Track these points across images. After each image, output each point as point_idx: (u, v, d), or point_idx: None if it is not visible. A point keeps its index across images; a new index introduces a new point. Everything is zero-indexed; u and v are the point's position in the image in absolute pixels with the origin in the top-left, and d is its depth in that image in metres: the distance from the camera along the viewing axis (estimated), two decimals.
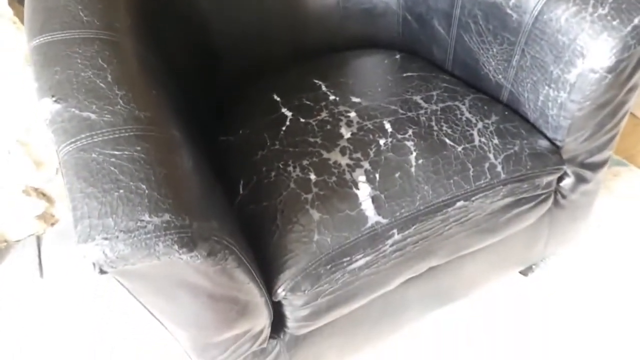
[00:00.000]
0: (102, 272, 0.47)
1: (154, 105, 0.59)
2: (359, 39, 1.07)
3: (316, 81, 0.91)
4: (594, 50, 0.70)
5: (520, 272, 1.09)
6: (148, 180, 0.49)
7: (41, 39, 0.60)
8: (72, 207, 0.48)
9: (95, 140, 0.52)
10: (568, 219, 0.93)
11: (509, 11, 0.79)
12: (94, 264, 0.46)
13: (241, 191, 0.75)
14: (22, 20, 1.02)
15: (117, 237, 0.45)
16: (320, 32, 1.07)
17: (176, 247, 0.47)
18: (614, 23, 0.68)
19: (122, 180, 0.49)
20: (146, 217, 0.47)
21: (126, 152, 0.51)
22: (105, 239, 0.45)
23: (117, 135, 0.52)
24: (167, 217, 0.47)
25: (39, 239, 1.31)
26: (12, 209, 1.25)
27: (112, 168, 0.50)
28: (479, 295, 1.06)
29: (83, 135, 0.52)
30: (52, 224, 1.34)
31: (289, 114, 0.84)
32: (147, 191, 0.48)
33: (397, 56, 0.99)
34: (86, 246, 0.45)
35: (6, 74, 1.06)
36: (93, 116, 0.53)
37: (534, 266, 1.09)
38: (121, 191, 0.48)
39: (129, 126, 0.53)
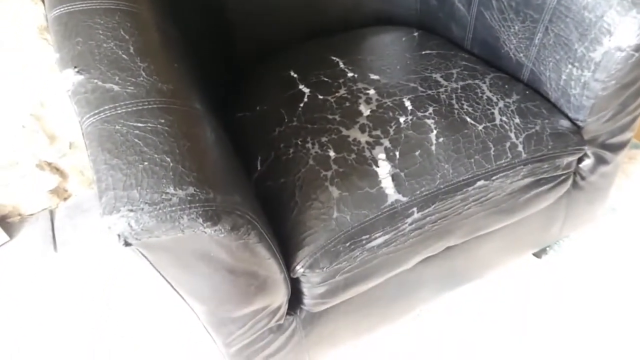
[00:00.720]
0: (126, 244, 0.47)
1: (176, 77, 0.58)
2: (376, 16, 1.06)
3: (334, 58, 0.90)
4: (622, 28, 0.68)
5: (534, 254, 1.09)
6: (172, 153, 0.49)
7: (62, 9, 0.60)
8: (97, 178, 0.48)
9: (119, 111, 0.51)
10: (585, 201, 0.93)
11: None
12: (118, 236, 0.46)
13: (259, 167, 0.74)
14: None
15: (142, 209, 0.45)
16: (337, 8, 1.05)
17: (200, 220, 0.47)
18: None
19: (146, 153, 0.48)
20: (171, 190, 0.47)
21: (150, 124, 0.51)
22: (131, 210, 0.45)
23: (140, 107, 0.52)
24: (191, 190, 0.47)
25: (52, 213, 1.32)
26: (25, 183, 1.25)
27: (136, 140, 0.49)
28: (492, 276, 1.06)
29: (106, 107, 0.52)
30: (65, 199, 1.34)
31: (306, 90, 0.83)
32: (171, 164, 0.48)
33: (415, 34, 0.97)
34: (111, 218, 0.45)
35: (22, 47, 1.05)
36: (116, 88, 0.53)
37: (547, 248, 1.09)
38: (146, 163, 0.48)
39: (152, 98, 0.53)
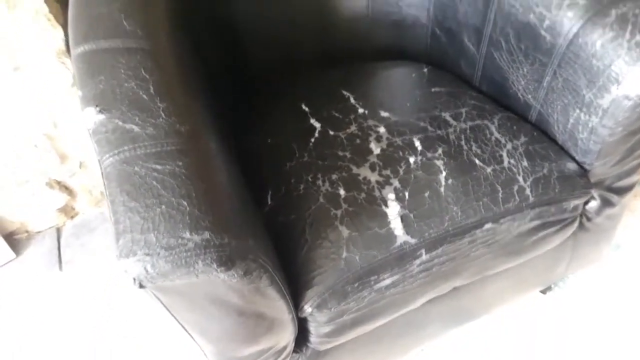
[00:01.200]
0: (141, 286, 0.48)
1: (193, 116, 0.59)
2: (387, 49, 1.08)
3: (345, 92, 0.92)
4: (630, 77, 0.69)
5: (539, 290, 1.09)
6: (189, 197, 0.50)
7: (85, 47, 0.61)
8: (114, 220, 0.49)
9: (138, 152, 0.52)
10: (591, 241, 0.93)
11: (542, 32, 0.79)
12: (134, 279, 0.47)
13: (269, 201, 0.75)
14: (56, 18, 1.03)
15: (159, 253, 0.46)
16: (349, 38, 1.07)
17: (215, 265, 0.48)
18: None
19: (164, 196, 0.49)
20: (187, 235, 0.47)
21: (168, 167, 0.52)
22: (147, 254, 0.46)
23: (159, 149, 0.53)
24: (207, 235, 0.48)
25: (59, 231, 1.33)
26: (35, 201, 1.27)
27: (155, 182, 0.50)
28: (497, 312, 1.06)
29: (126, 147, 0.53)
30: (72, 217, 1.35)
31: (317, 125, 0.85)
32: (188, 208, 0.49)
33: (425, 69, 0.99)
34: (128, 261, 0.46)
35: (38, 68, 1.07)
36: (136, 128, 0.54)
37: (553, 285, 1.09)
38: (163, 207, 0.49)
39: (170, 140, 0.54)
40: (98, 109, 0.56)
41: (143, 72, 0.59)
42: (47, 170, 1.24)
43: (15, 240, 1.29)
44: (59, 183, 1.28)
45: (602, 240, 0.95)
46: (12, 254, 1.25)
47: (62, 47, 1.07)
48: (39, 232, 1.32)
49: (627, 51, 0.70)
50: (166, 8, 0.72)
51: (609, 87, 0.72)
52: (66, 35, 1.05)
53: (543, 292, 1.09)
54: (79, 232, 1.32)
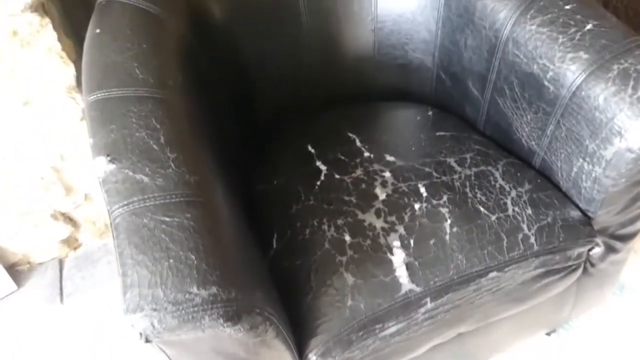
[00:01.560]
0: (147, 340, 0.48)
1: (202, 167, 0.60)
2: (393, 90, 1.09)
3: (350, 134, 0.93)
4: (633, 131, 0.70)
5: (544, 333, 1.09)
6: (197, 250, 0.50)
7: (98, 95, 0.63)
8: (122, 272, 0.49)
9: (147, 204, 0.53)
10: (595, 286, 0.93)
11: (546, 83, 0.80)
12: (140, 334, 0.47)
13: (275, 245, 0.76)
14: (68, 55, 1.05)
15: (166, 308, 0.46)
16: (355, 80, 1.09)
17: (221, 320, 0.48)
18: None
19: (172, 249, 0.50)
20: (194, 290, 0.48)
21: (176, 219, 0.52)
22: (154, 310, 0.46)
23: (167, 201, 0.54)
24: (214, 289, 0.48)
25: (61, 263, 1.32)
26: (38, 232, 1.27)
27: (163, 235, 0.51)
28: (501, 355, 1.05)
29: (135, 199, 0.54)
30: (75, 248, 1.35)
31: (323, 168, 0.86)
32: (195, 262, 0.49)
33: (430, 112, 1.00)
34: (135, 316, 0.46)
35: (48, 103, 1.09)
36: (146, 179, 0.55)
37: (557, 327, 1.08)
38: (171, 261, 0.49)
39: (179, 191, 0.55)
40: (109, 158, 0.57)
41: (154, 122, 0.61)
42: (52, 202, 1.24)
43: (17, 272, 1.29)
44: (63, 215, 1.29)
45: (606, 285, 0.95)
46: (13, 286, 1.24)
47: (73, 82, 1.08)
48: (41, 263, 1.32)
49: (630, 106, 0.71)
50: (177, 53, 0.74)
51: (612, 139, 0.72)
52: (77, 71, 1.07)
53: (548, 334, 1.08)
54: (81, 264, 1.32)
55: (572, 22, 0.78)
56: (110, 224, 0.54)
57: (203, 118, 0.72)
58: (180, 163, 0.57)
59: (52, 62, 1.04)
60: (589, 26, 0.77)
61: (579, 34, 0.77)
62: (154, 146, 0.58)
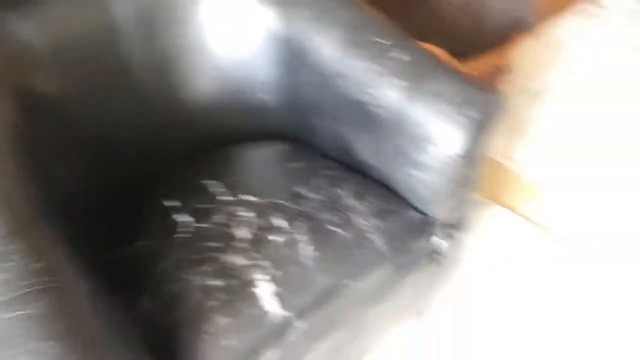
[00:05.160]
0: None
1: (49, 251, 0.60)
2: (246, 131, 1.14)
3: (207, 182, 0.95)
4: (443, 140, 0.84)
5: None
6: (57, 337, 0.51)
7: None
8: None
9: None
10: (445, 271, 1.07)
11: (371, 108, 0.91)
12: None
13: (146, 305, 0.77)
14: None
15: None
16: (206, 128, 1.11)
17: None
18: (458, 118, 0.82)
19: (28, 343, 0.50)
20: None
21: (28, 311, 0.52)
22: None
23: (15, 294, 0.53)
24: None
25: None
26: None
27: (15, 329, 0.51)
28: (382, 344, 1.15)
29: None
30: None
31: (182, 219, 0.88)
32: (56, 349, 0.50)
33: (283, 147, 1.07)
34: None
35: None
36: None
37: (424, 310, 1.21)
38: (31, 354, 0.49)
39: (25, 282, 0.55)
40: None
41: None
42: None
43: None
44: None
45: (454, 266, 1.09)
46: None
47: None
48: None
49: (439, 120, 0.84)
50: (7, 142, 0.72)
51: (429, 148, 0.85)
52: None
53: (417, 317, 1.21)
54: None
55: (390, 55, 0.90)
56: None
57: (46, 199, 0.71)
58: (24, 253, 0.57)
59: None
60: (406, 58, 0.89)
61: (398, 65, 0.89)
62: None
